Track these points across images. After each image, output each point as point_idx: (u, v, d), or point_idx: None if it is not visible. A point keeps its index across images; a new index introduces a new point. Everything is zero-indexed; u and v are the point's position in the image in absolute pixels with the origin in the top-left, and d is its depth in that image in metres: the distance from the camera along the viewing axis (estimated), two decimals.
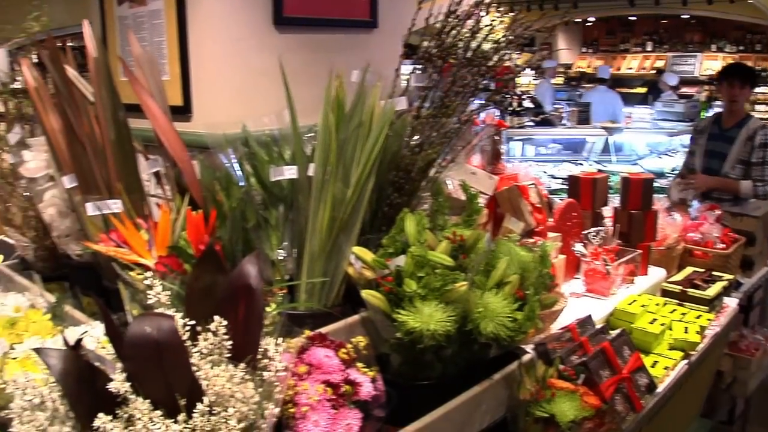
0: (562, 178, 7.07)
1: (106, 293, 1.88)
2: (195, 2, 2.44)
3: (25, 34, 2.17)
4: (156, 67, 1.93)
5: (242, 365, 1.13)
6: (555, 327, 2.11)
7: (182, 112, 2.45)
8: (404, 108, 1.92)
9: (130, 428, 1.06)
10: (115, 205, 1.61)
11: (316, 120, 1.86)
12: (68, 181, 1.79)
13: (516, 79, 2.42)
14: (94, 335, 1.49)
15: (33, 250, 2.27)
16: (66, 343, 1.13)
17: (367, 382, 1.39)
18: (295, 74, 1.81)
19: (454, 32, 1.92)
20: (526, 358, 1.76)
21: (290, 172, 1.75)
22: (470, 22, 1.93)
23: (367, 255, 1.63)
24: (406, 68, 2.05)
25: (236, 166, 1.85)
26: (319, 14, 2.75)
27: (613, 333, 2.05)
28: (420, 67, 1.98)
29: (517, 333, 1.59)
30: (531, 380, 1.69)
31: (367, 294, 1.57)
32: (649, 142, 8.81)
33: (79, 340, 1.11)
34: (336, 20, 2.81)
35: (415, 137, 1.92)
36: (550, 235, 2.48)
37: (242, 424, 1.09)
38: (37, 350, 1.06)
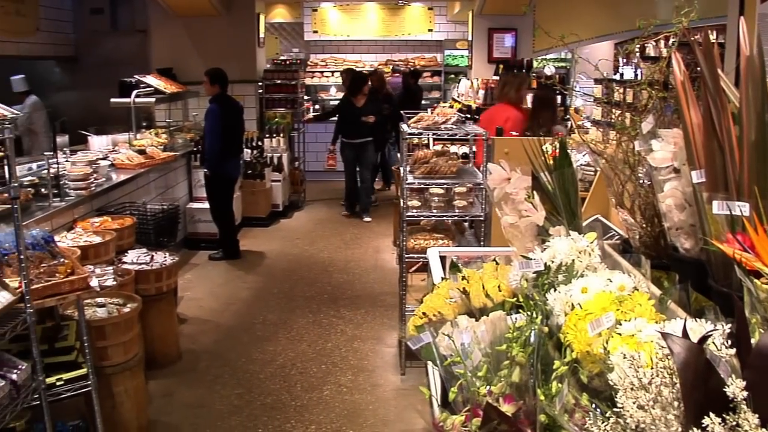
0: None
1: (708, 292, 1.85)
2: None
3: (676, 29, 2.22)
4: None
5: None
6: None
7: None
8: None
9: None
10: (743, 208, 1.57)
11: None
12: (697, 176, 1.79)
13: None
14: (697, 331, 1.48)
15: (638, 235, 2.36)
16: (685, 333, 1.15)
17: None
18: None
19: None
20: None
21: None
22: None
23: None
24: None
25: None
26: None
27: None
28: None
29: None
30: None
31: None
32: None
33: (706, 336, 1.12)
34: None
35: None
36: None
37: None
38: (664, 335, 1.10)
